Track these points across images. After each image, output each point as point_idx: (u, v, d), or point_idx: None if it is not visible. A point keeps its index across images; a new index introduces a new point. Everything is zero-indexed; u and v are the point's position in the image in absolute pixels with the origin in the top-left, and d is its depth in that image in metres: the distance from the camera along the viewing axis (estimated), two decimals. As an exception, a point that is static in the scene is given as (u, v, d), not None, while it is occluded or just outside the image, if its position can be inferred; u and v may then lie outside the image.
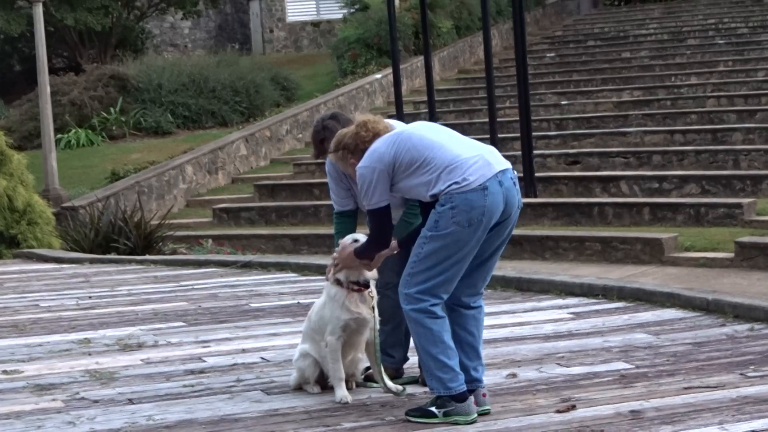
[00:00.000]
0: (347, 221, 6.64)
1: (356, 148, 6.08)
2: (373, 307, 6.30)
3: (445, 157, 5.82)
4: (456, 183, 5.75)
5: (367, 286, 6.30)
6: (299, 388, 6.61)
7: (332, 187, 6.68)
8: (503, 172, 5.86)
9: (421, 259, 5.82)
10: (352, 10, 31.31)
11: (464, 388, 5.81)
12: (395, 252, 6.24)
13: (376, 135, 6.05)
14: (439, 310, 5.84)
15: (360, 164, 5.95)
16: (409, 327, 5.91)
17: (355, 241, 6.25)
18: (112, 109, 26.18)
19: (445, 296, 5.85)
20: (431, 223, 5.81)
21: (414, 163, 5.85)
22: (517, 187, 5.94)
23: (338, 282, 6.28)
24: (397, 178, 5.90)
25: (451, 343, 5.85)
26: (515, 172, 5.97)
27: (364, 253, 6.16)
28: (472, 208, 5.72)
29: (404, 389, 6.39)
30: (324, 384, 6.53)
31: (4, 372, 7.53)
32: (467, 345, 6.00)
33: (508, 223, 5.92)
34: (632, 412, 5.83)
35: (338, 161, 6.22)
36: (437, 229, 5.77)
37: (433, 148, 5.86)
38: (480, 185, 5.73)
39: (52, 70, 25.01)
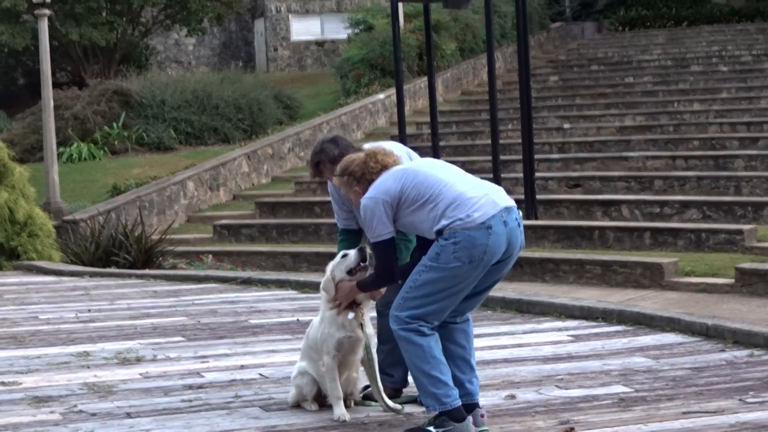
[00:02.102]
0: (351, 237, 6.66)
1: (362, 177, 6.09)
2: (361, 325, 6.28)
3: (451, 193, 5.84)
4: (460, 219, 5.76)
5: (358, 303, 6.30)
6: (297, 405, 6.59)
7: (335, 208, 6.71)
8: (508, 211, 5.86)
9: (418, 286, 5.83)
10: (356, 31, 31.40)
11: (459, 402, 5.80)
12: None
13: (384, 168, 6.07)
14: (427, 329, 5.85)
15: (366, 195, 5.97)
16: (400, 346, 5.91)
17: (344, 256, 6.26)
18: (114, 124, 26.24)
19: (436, 323, 5.88)
20: (432, 254, 5.82)
21: (420, 198, 5.87)
22: (521, 228, 5.95)
23: (330, 301, 6.29)
24: (402, 213, 5.92)
25: (443, 359, 5.85)
26: (520, 213, 5.98)
27: (369, 288, 6.19)
28: (474, 246, 5.73)
29: (403, 408, 6.38)
30: (322, 402, 6.52)
31: (3, 383, 7.51)
32: (459, 358, 6.01)
33: (508, 261, 5.95)
34: (631, 435, 5.82)
35: (342, 186, 6.22)
36: (437, 261, 5.79)
37: (440, 184, 5.88)
38: (484, 223, 5.74)
39: (56, 85, 25.07)
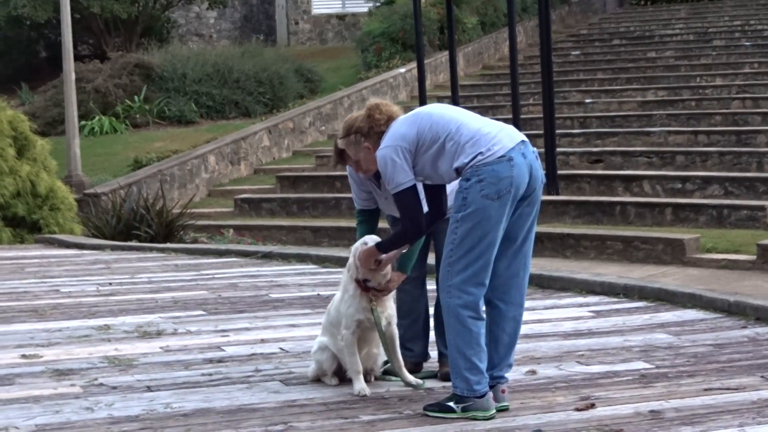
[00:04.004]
0: (369, 218, 6.61)
1: (370, 131, 6.03)
2: (372, 310, 6.24)
3: (467, 131, 5.78)
4: (481, 154, 5.69)
5: (379, 289, 6.27)
6: (317, 379, 6.59)
7: (354, 190, 6.64)
8: (524, 144, 5.81)
9: (458, 245, 5.72)
10: (377, 4, 31.31)
11: (487, 388, 5.78)
12: (404, 251, 6.22)
13: (390, 117, 6.01)
14: (481, 309, 5.78)
15: (381, 145, 5.89)
16: (448, 321, 5.78)
17: (364, 243, 6.23)
18: (136, 98, 26.25)
19: (486, 281, 5.77)
20: (459, 203, 5.73)
21: (437, 139, 5.80)
22: (539, 161, 5.89)
23: (356, 280, 6.26)
24: (420, 158, 5.84)
25: (484, 346, 5.81)
26: (535, 148, 5.94)
27: (398, 245, 6.09)
28: (500, 180, 5.66)
29: (423, 383, 6.38)
30: (342, 376, 6.51)
31: (24, 356, 7.54)
32: (503, 345, 5.94)
33: (533, 199, 5.84)
34: (652, 412, 5.80)
35: (349, 146, 6.14)
36: (466, 208, 5.69)
37: (455, 122, 5.82)
38: (504, 156, 5.69)
39: (77, 57, 25.08)
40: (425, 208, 6.01)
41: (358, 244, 6.30)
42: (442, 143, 5.79)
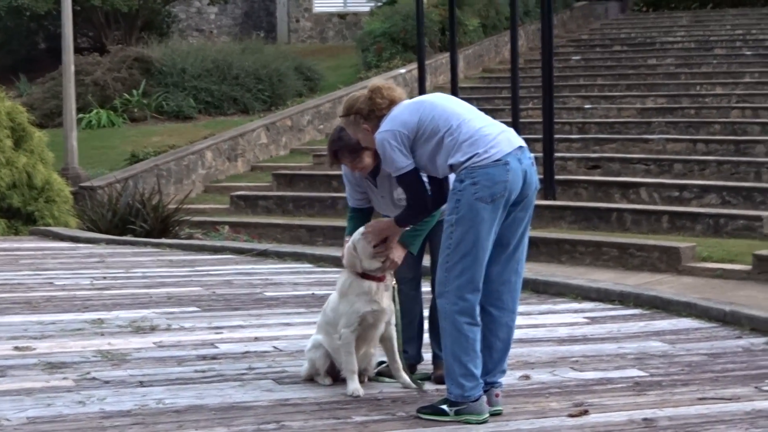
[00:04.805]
0: (361, 216, 6.61)
1: (370, 113, 6.01)
2: (394, 298, 6.27)
3: (468, 129, 5.77)
4: (477, 154, 5.68)
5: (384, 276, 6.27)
6: (310, 379, 6.58)
7: (348, 190, 6.64)
8: (521, 149, 5.81)
9: (454, 249, 5.72)
10: (379, 4, 31.29)
11: (481, 393, 5.77)
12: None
13: (392, 102, 6.00)
14: (476, 314, 5.76)
15: (381, 129, 5.88)
16: (444, 327, 5.79)
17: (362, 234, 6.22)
18: (134, 91, 26.20)
19: (481, 285, 5.76)
20: (452, 205, 5.73)
21: (437, 131, 5.79)
22: (535, 167, 5.88)
23: (357, 273, 6.24)
24: (417, 146, 5.84)
25: (479, 352, 5.79)
26: (532, 154, 5.92)
27: (405, 222, 6.11)
28: (494, 183, 5.65)
29: (424, 384, 6.37)
30: (335, 376, 6.50)
31: (17, 348, 7.53)
32: (497, 351, 5.94)
33: (526, 204, 5.84)
34: (645, 420, 5.79)
35: (348, 126, 6.14)
36: (459, 210, 5.69)
37: (457, 118, 5.81)
38: (500, 160, 5.68)
39: (77, 50, 25.01)
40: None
41: (356, 235, 6.27)
42: (441, 137, 5.78)
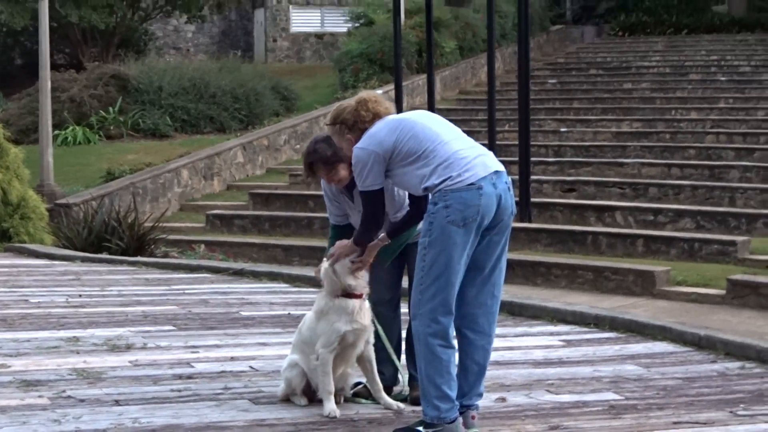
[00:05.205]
0: (342, 233, 6.61)
1: (355, 125, 6.06)
2: (373, 319, 6.28)
3: (445, 151, 5.78)
4: (450, 178, 5.69)
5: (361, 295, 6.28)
6: (287, 399, 6.57)
7: (327, 205, 6.68)
8: (498, 174, 5.81)
9: (427, 272, 5.73)
10: (356, 25, 31.37)
11: (457, 414, 5.77)
12: (386, 242, 6.24)
13: (377, 116, 6.03)
14: (450, 337, 5.77)
15: (358, 145, 5.92)
16: (418, 349, 5.80)
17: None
18: (111, 109, 26.17)
19: (453, 308, 5.77)
20: (425, 228, 5.75)
21: (413, 153, 5.82)
22: (512, 192, 5.90)
23: (336, 293, 6.24)
24: (393, 165, 5.87)
25: (454, 374, 5.80)
26: (509, 178, 5.94)
27: (359, 238, 6.16)
28: (467, 207, 5.66)
29: (404, 407, 6.36)
30: (311, 396, 6.49)
31: (-9, 366, 7.49)
32: (473, 374, 5.94)
33: (502, 228, 5.85)
34: (621, 443, 5.81)
35: (334, 135, 6.19)
36: (431, 233, 5.70)
37: (435, 140, 5.83)
38: (474, 184, 5.69)
39: (53, 66, 24.95)
40: (405, 209, 6.21)
41: (325, 266, 6.29)
42: (417, 157, 5.81)
